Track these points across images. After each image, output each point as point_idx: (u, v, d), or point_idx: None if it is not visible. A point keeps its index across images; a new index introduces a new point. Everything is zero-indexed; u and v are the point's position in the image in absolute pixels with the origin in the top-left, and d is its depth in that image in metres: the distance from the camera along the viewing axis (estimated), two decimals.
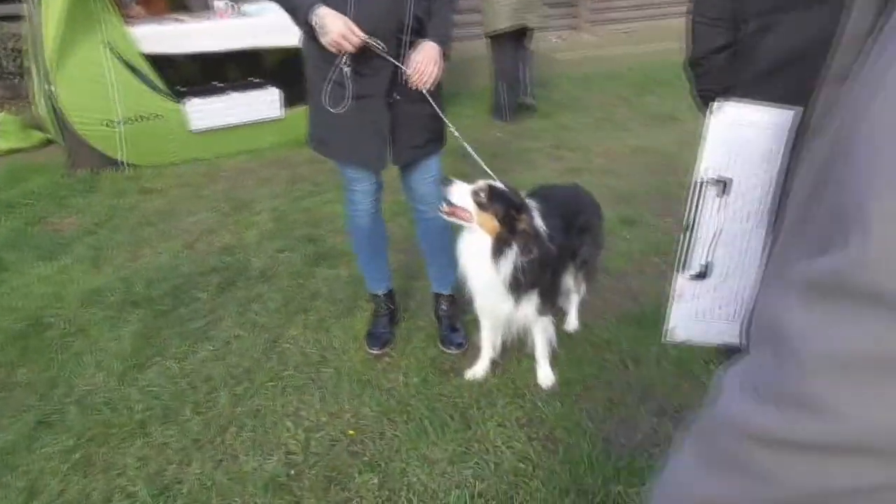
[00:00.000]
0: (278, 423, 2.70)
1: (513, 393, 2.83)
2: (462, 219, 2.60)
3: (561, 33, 12.11)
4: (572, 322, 3.27)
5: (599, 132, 6.45)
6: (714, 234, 1.94)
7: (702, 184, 1.95)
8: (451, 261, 3.19)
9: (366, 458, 2.51)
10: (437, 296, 3.28)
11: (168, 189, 5.13)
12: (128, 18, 5.68)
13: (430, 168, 2.92)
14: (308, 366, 3.04)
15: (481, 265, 2.60)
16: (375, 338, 3.16)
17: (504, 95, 6.91)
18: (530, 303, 2.70)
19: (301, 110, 5.88)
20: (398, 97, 2.69)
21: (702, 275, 1.98)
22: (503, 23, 6.38)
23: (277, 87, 5.84)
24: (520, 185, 4.97)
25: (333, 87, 2.62)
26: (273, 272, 3.84)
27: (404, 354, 3.10)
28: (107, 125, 5.22)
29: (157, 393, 2.87)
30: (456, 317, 3.27)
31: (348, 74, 2.57)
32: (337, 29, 2.41)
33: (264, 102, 5.75)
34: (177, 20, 5.58)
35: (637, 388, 2.86)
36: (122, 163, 5.39)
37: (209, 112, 5.56)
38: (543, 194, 2.94)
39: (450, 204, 2.60)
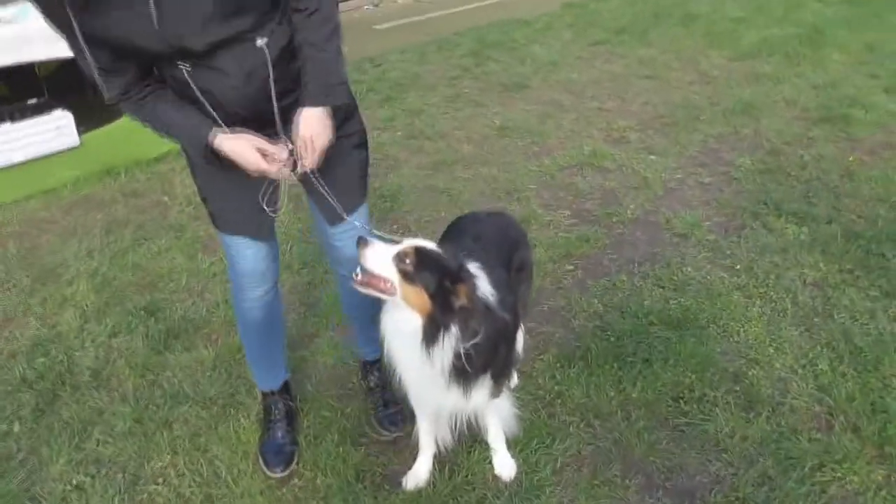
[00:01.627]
0: None
1: (473, 500, 2.21)
2: (382, 291, 1.91)
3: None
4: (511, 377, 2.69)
5: (455, 112, 5.85)
6: None
7: None
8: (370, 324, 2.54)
9: None
10: (366, 365, 2.63)
11: None
12: None
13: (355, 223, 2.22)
14: None
15: (412, 353, 1.93)
16: (275, 453, 2.39)
17: None
18: (482, 388, 2.07)
19: (102, 131, 4.80)
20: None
21: None
22: None
23: (65, 107, 4.66)
24: (386, 193, 4.35)
25: None
26: (110, 371, 2.91)
27: (318, 468, 2.36)
28: None
29: None
30: (388, 384, 2.57)
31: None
32: (249, 162, 1.85)
33: (52, 129, 4.55)
34: None
35: (614, 455, 2.35)
36: None
37: None
38: (474, 232, 2.32)
39: (364, 271, 1.90)
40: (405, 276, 1.87)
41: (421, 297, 1.87)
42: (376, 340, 2.50)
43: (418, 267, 1.87)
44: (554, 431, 2.44)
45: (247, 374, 2.79)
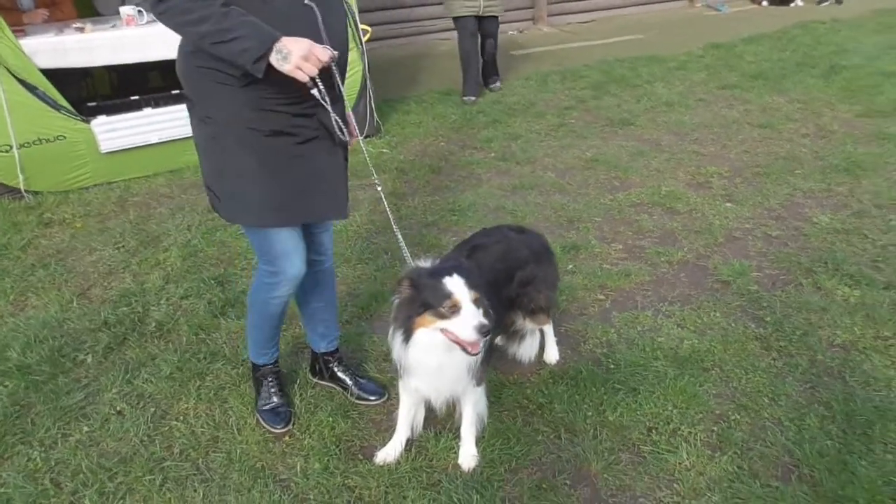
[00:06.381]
0: None
1: (426, 481, 2.44)
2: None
3: (520, 25, 11.77)
4: (552, 355, 3.09)
5: (552, 141, 6.07)
6: None
7: None
8: (337, 313, 2.91)
9: None
10: (327, 356, 2.91)
11: (72, 220, 4.64)
12: (21, 26, 5.19)
13: None
14: (196, 449, 2.63)
15: (434, 356, 2.21)
16: (277, 414, 2.74)
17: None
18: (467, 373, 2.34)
19: None
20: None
21: None
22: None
23: None
24: (458, 207, 4.65)
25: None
26: (172, 325, 3.41)
27: (308, 431, 2.69)
28: (1, 150, 4.71)
29: (10, 496, 2.43)
30: (357, 365, 2.98)
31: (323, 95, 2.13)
32: (301, 50, 1.98)
33: (184, 118, 5.22)
34: (78, 29, 5.04)
35: (570, 465, 2.50)
36: (23, 191, 4.88)
37: (121, 131, 5.07)
38: (483, 245, 2.69)
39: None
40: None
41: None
42: (334, 331, 2.88)
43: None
44: (522, 437, 2.62)
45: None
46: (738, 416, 2.69)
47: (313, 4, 2.10)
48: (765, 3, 13.20)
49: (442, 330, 2.11)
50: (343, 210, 2.46)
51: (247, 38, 1.95)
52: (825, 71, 8.04)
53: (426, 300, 2.10)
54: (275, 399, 2.76)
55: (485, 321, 2.06)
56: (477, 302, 2.10)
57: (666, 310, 3.43)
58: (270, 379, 2.79)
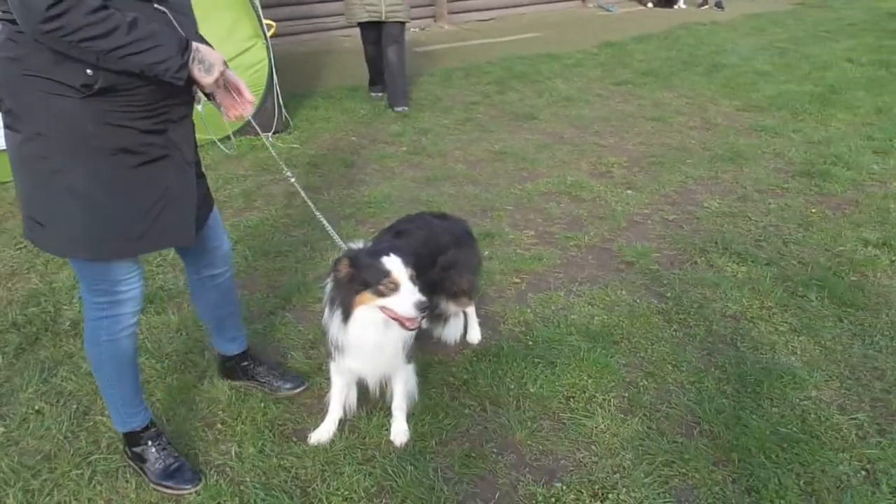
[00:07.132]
0: None
1: (361, 457, 2.53)
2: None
3: (421, 23, 11.92)
4: (475, 335, 3.21)
5: (461, 135, 6.24)
6: None
7: None
8: (241, 316, 2.90)
9: None
10: (240, 357, 2.88)
11: None
12: None
13: (219, 221, 2.57)
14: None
15: (373, 334, 2.31)
16: (182, 473, 2.40)
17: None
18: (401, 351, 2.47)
19: None
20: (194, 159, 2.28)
21: None
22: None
23: None
24: (373, 200, 4.73)
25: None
26: None
27: (240, 418, 2.72)
28: None
29: None
30: (274, 361, 3.01)
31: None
32: (220, 62, 1.95)
33: None
34: None
35: (496, 435, 2.65)
36: None
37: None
38: (407, 230, 2.81)
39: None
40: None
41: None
42: (242, 332, 2.87)
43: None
44: (451, 411, 2.75)
45: (202, 337, 3.18)
46: (646, 383, 2.92)
47: (163, 8, 1.95)
48: (650, 5, 13.96)
49: (381, 307, 2.20)
50: (190, 237, 2.26)
51: (165, 46, 1.82)
52: (707, 69, 8.64)
53: (365, 279, 2.19)
54: (170, 459, 2.42)
55: (423, 298, 2.17)
56: (413, 279, 2.21)
57: (577, 290, 3.64)
58: (156, 442, 2.44)
